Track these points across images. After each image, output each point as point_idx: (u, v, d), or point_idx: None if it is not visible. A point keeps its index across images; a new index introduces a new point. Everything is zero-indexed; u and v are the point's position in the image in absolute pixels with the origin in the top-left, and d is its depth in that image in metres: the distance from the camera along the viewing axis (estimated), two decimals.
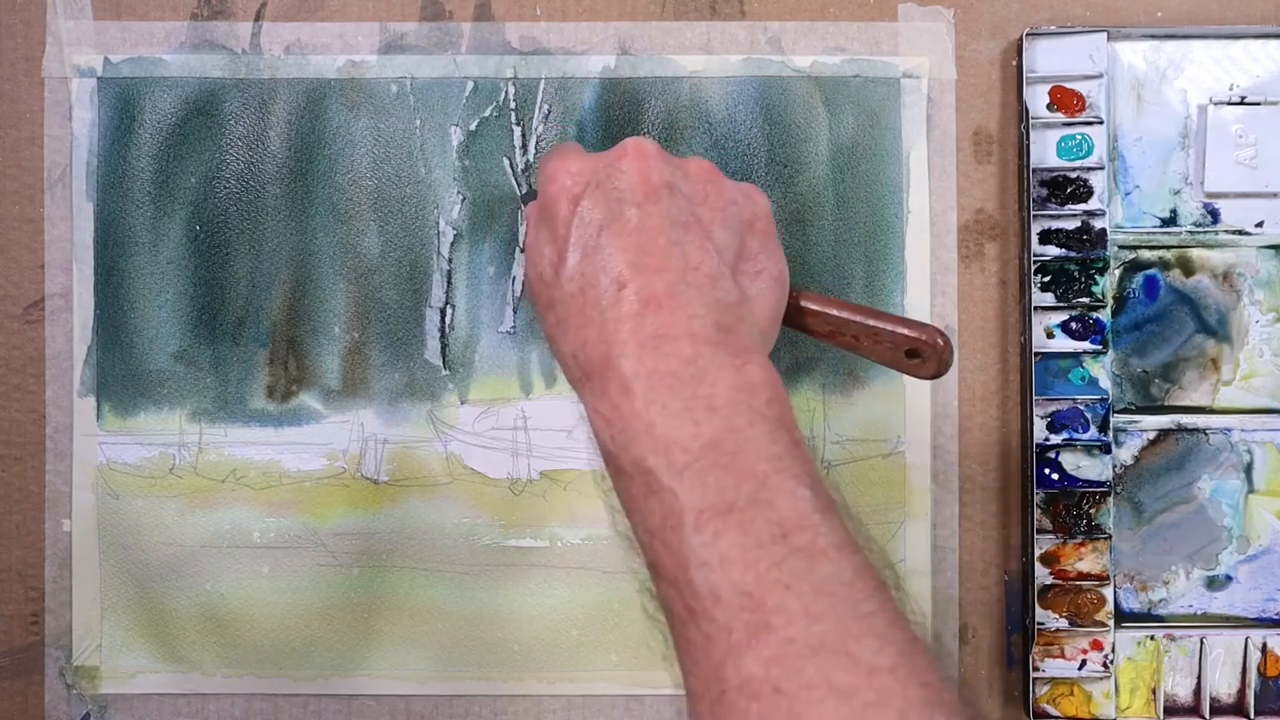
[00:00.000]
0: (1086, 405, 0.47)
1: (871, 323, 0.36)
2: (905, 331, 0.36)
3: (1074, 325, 0.47)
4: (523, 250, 0.48)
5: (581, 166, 0.35)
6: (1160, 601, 0.48)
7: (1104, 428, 0.47)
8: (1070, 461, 0.47)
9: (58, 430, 0.48)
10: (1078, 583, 0.46)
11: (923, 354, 0.36)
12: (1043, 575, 0.47)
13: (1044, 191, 0.47)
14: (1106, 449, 0.47)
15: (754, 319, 0.34)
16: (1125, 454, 0.48)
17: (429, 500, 0.48)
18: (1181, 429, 0.48)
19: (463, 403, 0.48)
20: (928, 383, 0.47)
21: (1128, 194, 0.48)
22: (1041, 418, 0.47)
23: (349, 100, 0.48)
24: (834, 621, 0.27)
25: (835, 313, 0.36)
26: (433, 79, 0.48)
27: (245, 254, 0.48)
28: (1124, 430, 0.48)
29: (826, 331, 0.37)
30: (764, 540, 0.28)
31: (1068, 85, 0.47)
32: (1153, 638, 0.47)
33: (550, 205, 0.35)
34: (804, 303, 0.37)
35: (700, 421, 0.30)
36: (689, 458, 0.29)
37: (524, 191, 0.48)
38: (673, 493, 0.29)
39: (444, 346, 0.48)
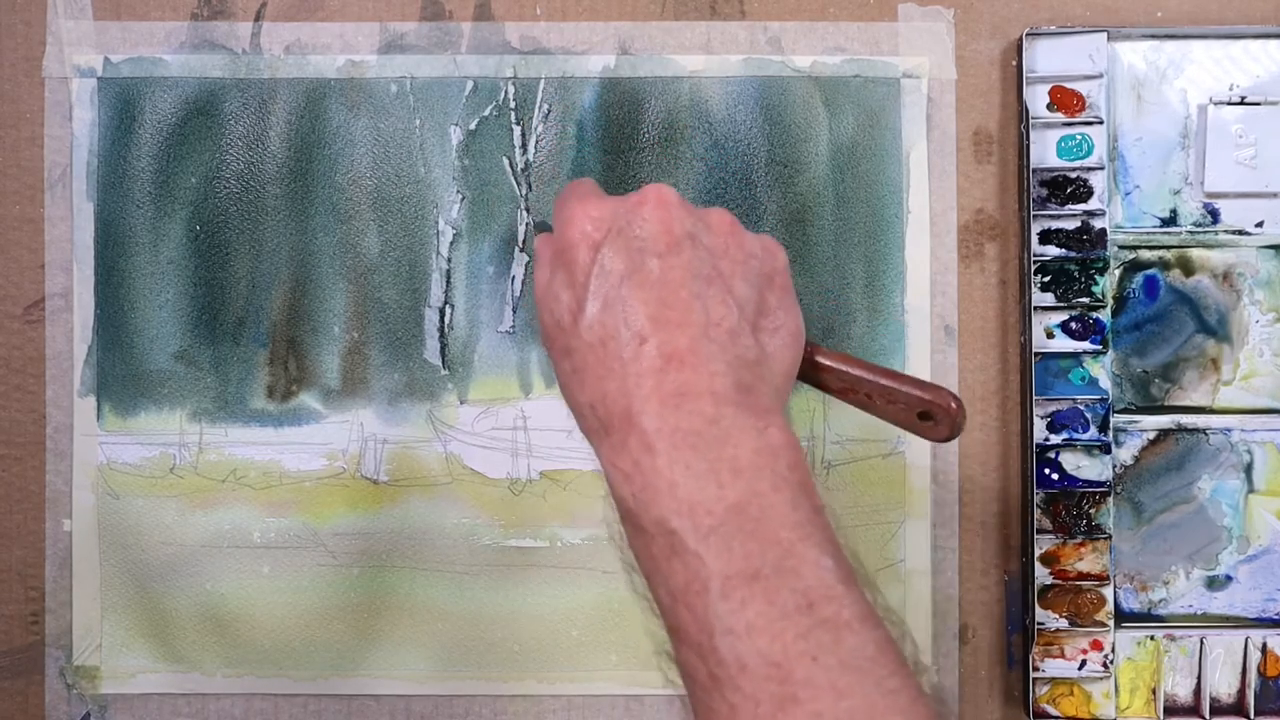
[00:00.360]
0: (1086, 405, 0.47)
1: (885, 382, 0.36)
2: (919, 393, 0.36)
3: (1074, 325, 0.47)
4: (523, 248, 0.48)
5: (602, 211, 0.34)
6: (1160, 601, 0.48)
7: (1104, 428, 0.47)
8: (1070, 461, 0.47)
9: (58, 430, 0.48)
10: (1078, 583, 0.46)
11: (935, 416, 0.36)
12: (1043, 575, 0.47)
13: (1044, 191, 0.47)
14: (1106, 449, 0.47)
15: (772, 377, 0.33)
16: (1125, 454, 0.48)
17: (429, 500, 0.48)
18: (1181, 429, 0.48)
19: (462, 403, 0.48)
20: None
21: (1128, 194, 0.48)
22: (1041, 418, 0.47)
23: (349, 100, 0.48)
24: (861, 697, 0.27)
25: (850, 370, 0.36)
26: (433, 79, 0.48)
27: (245, 254, 0.48)
28: (1124, 430, 0.48)
29: (840, 388, 0.37)
30: (789, 610, 0.28)
31: (1068, 85, 0.47)
32: (1153, 638, 0.47)
33: (569, 249, 0.34)
34: (819, 358, 0.37)
35: (724, 484, 0.30)
36: (714, 521, 0.29)
37: (535, 221, 0.47)
38: (698, 556, 0.29)
39: (443, 346, 0.48)
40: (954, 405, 0.36)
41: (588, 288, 0.33)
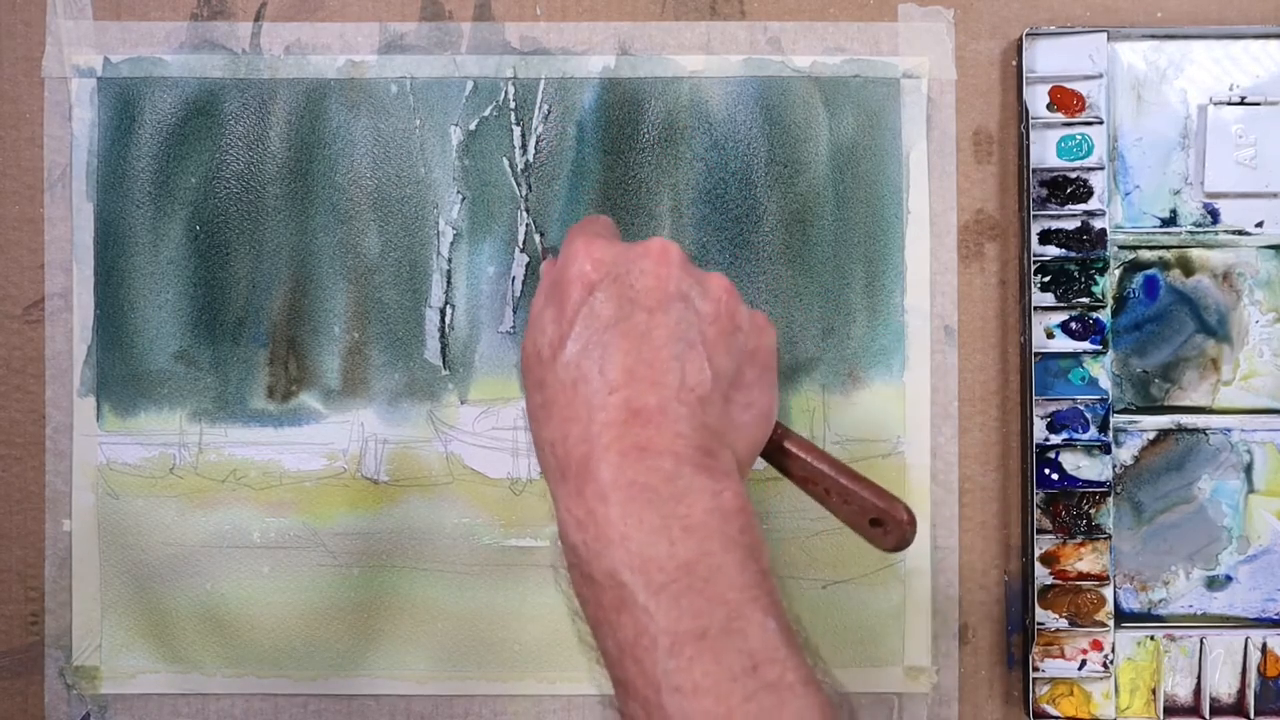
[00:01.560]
0: (1086, 405, 0.47)
1: (844, 481, 0.36)
2: (874, 500, 0.36)
3: (1074, 325, 0.47)
4: (523, 248, 0.48)
5: (604, 255, 0.34)
6: (1160, 601, 0.48)
7: (1104, 428, 0.47)
8: (1070, 461, 0.47)
9: (58, 430, 0.48)
10: (1078, 583, 0.46)
11: (886, 525, 0.36)
12: (1043, 575, 0.47)
13: (1044, 191, 0.47)
14: (1106, 449, 0.47)
15: (736, 448, 0.34)
16: (1125, 454, 0.48)
17: (429, 500, 0.48)
18: (1181, 429, 0.48)
19: (463, 402, 0.48)
20: (928, 382, 0.47)
21: (1128, 194, 0.48)
22: (1041, 418, 0.47)
23: (349, 100, 0.48)
24: None
25: (813, 462, 0.37)
26: (432, 79, 0.48)
27: (245, 254, 0.48)
28: (1124, 430, 0.48)
29: (801, 476, 0.37)
30: (736, 672, 0.28)
31: (1068, 85, 0.47)
32: (1153, 638, 0.47)
33: (565, 285, 0.34)
34: (786, 444, 0.37)
35: (676, 541, 0.30)
36: (665, 577, 0.29)
37: (547, 245, 0.47)
38: (648, 612, 0.29)
39: (444, 346, 0.48)
40: (905, 516, 0.36)
41: (573, 325, 0.33)
